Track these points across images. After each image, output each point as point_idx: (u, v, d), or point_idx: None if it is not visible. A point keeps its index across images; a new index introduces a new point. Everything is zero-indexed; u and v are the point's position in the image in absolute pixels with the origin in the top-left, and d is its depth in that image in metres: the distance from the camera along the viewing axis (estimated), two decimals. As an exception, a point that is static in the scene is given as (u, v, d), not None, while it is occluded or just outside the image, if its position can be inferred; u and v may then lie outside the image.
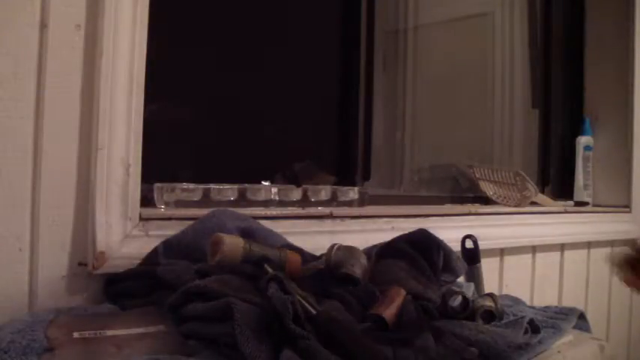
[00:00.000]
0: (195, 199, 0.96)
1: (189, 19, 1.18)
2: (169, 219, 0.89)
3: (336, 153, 1.47)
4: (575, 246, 1.66)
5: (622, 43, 1.87)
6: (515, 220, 1.50)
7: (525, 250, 1.54)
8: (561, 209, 1.69)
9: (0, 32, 0.73)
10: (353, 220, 1.13)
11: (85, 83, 0.79)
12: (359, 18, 1.48)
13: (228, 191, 1.00)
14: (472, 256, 1.05)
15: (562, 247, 1.64)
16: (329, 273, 0.80)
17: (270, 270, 0.70)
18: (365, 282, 0.80)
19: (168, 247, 0.83)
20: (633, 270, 0.61)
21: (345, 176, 1.42)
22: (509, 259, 1.49)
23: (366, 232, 1.11)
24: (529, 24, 1.97)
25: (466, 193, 1.67)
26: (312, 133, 1.42)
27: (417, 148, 1.69)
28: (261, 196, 1.04)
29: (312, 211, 1.08)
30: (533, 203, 1.63)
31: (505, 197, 1.62)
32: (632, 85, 1.85)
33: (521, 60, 1.96)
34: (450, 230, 1.12)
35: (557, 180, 1.98)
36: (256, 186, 1.05)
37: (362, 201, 1.21)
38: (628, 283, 0.61)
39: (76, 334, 0.61)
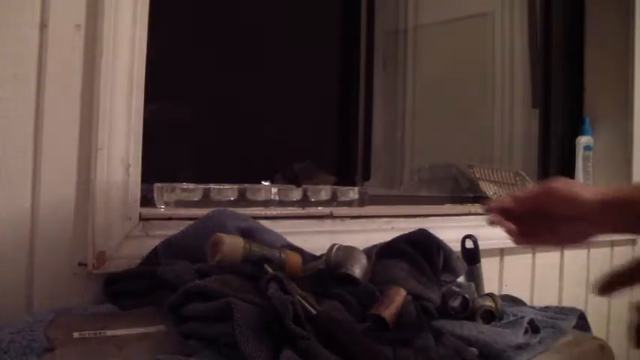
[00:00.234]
0: (195, 199, 0.96)
1: (190, 18, 1.18)
2: (169, 219, 0.89)
3: (336, 153, 1.47)
4: (574, 246, 1.66)
5: (622, 43, 1.87)
6: (516, 220, 1.50)
7: (525, 250, 1.53)
8: (561, 209, 1.69)
9: (0, 32, 0.73)
10: (353, 220, 1.13)
11: (85, 83, 0.79)
12: (359, 18, 1.48)
13: (228, 191, 1.00)
14: (472, 256, 1.06)
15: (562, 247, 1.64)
16: (329, 273, 0.80)
17: (270, 270, 0.70)
18: (365, 282, 0.80)
19: (168, 247, 0.83)
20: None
21: (345, 176, 1.42)
22: (509, 259, 1.49)
23: (366, 232, 1.11)
24: (529, 24, 1.97)
25: (466, 193, 1.67)
26: (312, 133, 1.42)
27: (417, 148, 1.69)
28: (261, 196, 1.04)
29: (312, 211, 1.08)
30: (534, 203, 1.63)
31: (505, 197, 1.61)
32: (632, 85, 1.85)
33: (521, 60, 1.96)
34: (450, 230, 1.12)
35: (557, 180, 1.97)
36: (256, 186, 1.05)
37: (362, 201, 1.20)
38: None
39: (76, 334, 0.61)
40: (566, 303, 1.51)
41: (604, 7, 1.93)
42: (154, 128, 0.90)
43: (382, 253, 0.91)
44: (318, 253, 0.90)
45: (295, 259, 0.78)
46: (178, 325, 0.66)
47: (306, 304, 0.63)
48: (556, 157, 1.98)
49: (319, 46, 1.45)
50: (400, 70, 1.66)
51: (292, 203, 1.08)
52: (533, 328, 0.79)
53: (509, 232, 0.69)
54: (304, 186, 1.11)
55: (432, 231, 0.93)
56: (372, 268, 0.85)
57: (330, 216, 1.09)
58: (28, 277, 0.76)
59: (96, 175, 0.80)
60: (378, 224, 1.16)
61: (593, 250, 1.73)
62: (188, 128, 1.18)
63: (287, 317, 0.59)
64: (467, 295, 0.83)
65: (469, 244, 1.05)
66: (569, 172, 1.92)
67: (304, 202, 1.10)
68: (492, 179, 1.64)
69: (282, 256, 0.76)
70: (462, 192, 1.68)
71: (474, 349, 0.69)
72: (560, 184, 0.69)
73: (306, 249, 0.91)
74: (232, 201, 1.00)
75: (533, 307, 1.00)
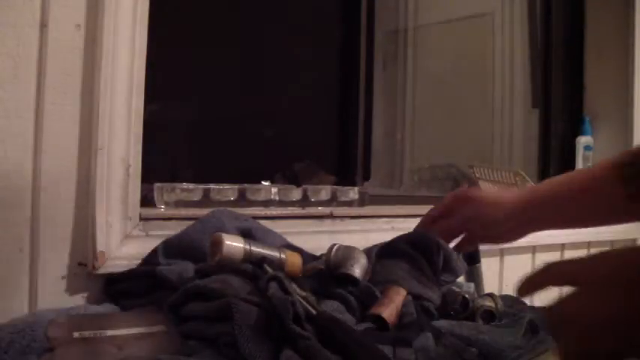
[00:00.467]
0: (195, 199, 0.96)
1: (190, 19, 1.18)
2: (169, 219, 0.89)
3: (336, 153, 1.47)
4: (575, 246, 1.65)
5: (622, 43, 1.87)
6: (516, 220, 1.50)
7: (525, 250, 1.53)
8: (561, 209, 1.69)
9: (0, 32, 0.73)
10: (353, 220, 1.13)
11: (85, 83, 0.79)
12: (359, 18, 1.48)
13: (228, 191, 1.00)
14: (472, 256, 1.05)
15: (562, 247, 1.64)
16: (329, 273, 0.80)
17: (270, 270, 0.70)
18: (365, 282, 0.80)
19: (168, 247, 0.83)
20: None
21: (345, 176, 1.42)
22: (509, 259, 1.48)
23: (366, 232, 1.11)
24: (529, 24, 1.96)
25: (466, 193, 1.67)
26: (312, 133, 1.42)
27: (417, 148, 1.69)
28: (261, 196, 1.04)
29: (312, 211, 1.08)
30: (534, 203, 1.63)
31: (505, 197, 1.61)
32: (632, 84, 1.85)
33: (521, 60, 1.96)
34: (450, 230, 1.12)
35: (557, 180, 1.97)
36: (256, 186, 1.05)
37: (362, 201, 1.20)
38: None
39: (76, 334, 0.61)
40: (566, 303, 1.51)
41: (604, 7, 1.93)
42: (154, 128, 0.90)
43: (382, 253, 0.91)
44: (318, 253, 0.90)
45: (295, 259, 0.78)
46: (178, 325, 0.66)
47: (306, 304, 0.63)
48: (556, 157, 1.98)
49: (319, 46, 1.45)
50: (400, 70, 1.66)
51: (292, 203, 1.08)
52: (533, 328, 0.79)
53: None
54: (304, 186, 1.11)
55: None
56: (372, 268, 0.85)
57: (330, 216, 1.09)
58: (27, 276, 0.76)
59: (96, 175, 0.79)
60: (378, 224, 1.16)
61: (593, 250, 1.73)
62: (188, 128, 1.18)
63: (287, 317, 0.59)
64: (467, 295, 0.83)
65: (469, 244, 1.05)
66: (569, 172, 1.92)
67: (304, 202, 1.10)
68: (492, 179, 1.64)
69: (282, 256, 0.76)
70: (462, 192, 1.67)
71: (473, 349, 0.69)
72: (475, 190, 0.76)
73: (306, 249, 0.91)
74: (232, 201, 1.00)
75: (533, 307, 1.00)
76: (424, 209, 0.94)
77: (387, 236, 0.97)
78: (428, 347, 0.67)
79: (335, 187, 1.18)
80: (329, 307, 0.72)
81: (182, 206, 0.95)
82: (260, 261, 0.72)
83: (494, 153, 1.91)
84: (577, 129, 1.92)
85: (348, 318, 0.73)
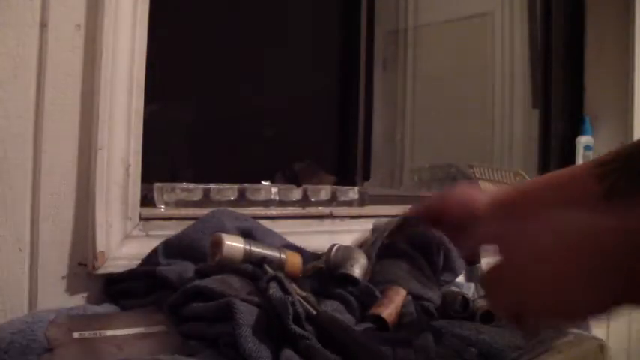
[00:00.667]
0: (195, 199, 0.96)
1: (190, 19, 1.18)
2: (169, 219, 0.89)
3: (336, 153, 1.47)
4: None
5: (622, 43, 1.87)
6: (515, 220, 1.50)
7: (525, 250, 1.53)
8: (561, 209, 1.68)
9: (0, 32, 0.73)
10: (353, 220, 1.13)
11: (85, 83, 0.79)
12: (359, 18, 1.48)
13: (228, 191, 1.00)
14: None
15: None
16: (329, 273, 0.80)
17: (270, 270, 0.70)
18: (365, 282, 0.80)
19: (168, 247, 0.83)
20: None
21: (345, 176, 1.42)
22: (509, 259, 1.48)
23: (366, 232, 1.11)
24: (529, 24, 1.97)
25: (466, 193, 1.66)
26: (312, 133, 1.42)
27: (417, 148, 1.69)
28: (261, 196, 1.04)
29: (312, 211, 1.08)
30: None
31: (505, 197, 1.61)
32: (632, 85, 1.85)
33: (521, 60, 1.96)
34: (450, 230, 1.12)
35: (557, 180, 1.97)
36: (256, 186, 1.05)
37: (362, 201, 1.20)
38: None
39: (76, 334, 0.62)
40: (566, 303, 1.51)
41: (604, 7, 1.93)
42: (154, 128, 0.90)
43: (382, 253, 0.91)
44: (318, 253, 0.90)
45: (295, 259, 0.78)
46: (178, 325, 0.66)
47: (306, 304, 0.63)
48: (556, 157, 1.98)
49: (319, 47, 1.45)
50: (400, 70, 1.66)
51: (292, 203, 1.08)
52: (533, 328, 0.79)
53: None
54: (304, 186, 1.12)
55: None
56: (371, 269, 0.85)
57: (330, 216, 1.09)
58: (28, 277, 0.76)
59: (96, 176, 0.79)
60: (378, 224, 1.16)
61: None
62: (188, 128, 1.18)
63: (287, 317, 0.59)
64: (467, 295, 0.83)
65: (469, 244, 1.05)
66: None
67: (304, 202, 1.10)
68: (492, 179, 1.64)
69: (282, 256, 0.76)
70: (462, 192, 1.67)
71: (473, 349, 0.69)
72: (458, 190, 0.74)
73: (306, 249, 0.91)
74: (232, 201, 1.00)
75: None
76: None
77: (387, 236, 0.96)
78: (428, 347, 0.67)
79: (335, 187, 1.18)
80: (329, 307, 0.72)
81: (182, 206, 0.95)
82: (260, 261, 0.72)
83: (494, 153, 1.91)
84: (577, 129, 1.93)
85: (348, 318, 0.73)
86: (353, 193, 1.19)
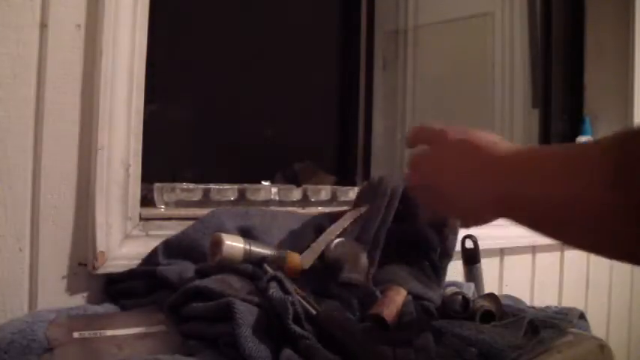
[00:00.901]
0: (195, 199, 0.96)
1: (190, 19, 1.18)
2: (169, 219, 0.89)
3: (336, 153, 1.47)
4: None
5: (622, 43, 1.87)
6: (515, 220, 1.50)
7: (525, 250, 1.54)
8: (561, 209, 1.68)
9: (0, 32, 0.73)
10: (353, 220, 1.12)
11: (85, 83, 0.79)
12: (359, 18, 1.48)
13: (228, 191, 1.00)
14: (472, 256, 1.05)
15: (562, 247, 1.64)
16: (328, 272, 0.80)
17: (270, 270, 0.70)
18: (365, 282, 0.80)
19: (168, 247, 0.83)
20: None
21: (345, 176, 1.42)
22: (509, 259, 1.49)
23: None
24: (529, 24, 1.97)
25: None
26: (312, 133, 1.42)
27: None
28: (261, 196, 1.04)
29: (312, 210, 1.08)
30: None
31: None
32: (632, 84, 1.85)
33: (521, 60, 1.96)
34: (450, 230, 1.12)
35: (557, 180, 1.97)
36: (256, 186, 1.05)
37: (362, 201, 1.20)
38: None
39: (76, 334, 0.62)
40: (566, 303, 1.52)
41: (604, 7, 1.93)
42: (154, 128, 0.90)
43: (382, 253, 0.91)
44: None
45: (295, 259, 0.78)
46: (178, 325, 0.66)
47: (306, 304, 0.63)
48: (556, 157, 1.97)
49: (319, 46, 1.45)
50: (400, 70, 1.66)
51: (292, 203, 1.08)
52: (533, 328, 0.79)
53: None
54: (304, 186, 1.11)
55: (432, 231, 0.92)
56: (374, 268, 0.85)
57: (330, 216, 1.09)
58: (28, 277, 0.76)
59: (96, 175, 0.79)
60: (378, 224, 1.16)
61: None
62: (188, 128, 1.18)
63: (287, 317, 0.59)
64: (467, 295, 0.83)
65: (469, 244, 1.05)
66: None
67: (304, 202, 1.10)
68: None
69: (282, 256, 0.76)
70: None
71: (473, 349, 0.69)
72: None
73: (306, 249, 0.91)
74: (232, 201, 1.00)
75: (533, 307, 1.00)
76: (424, 209, 0.94)
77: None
78: (428, 347, 0.67)
79: (335, 187, 1.18)
80: (329, 307, 0.72)
81: (182, 206, 0.95)
82: (260, 261, 0.72)
83: (494, 153, 1.90)
84: (577, 129, 1.93)
85: (348, 318, 0.72)
86: (353, 193, 1.19)
